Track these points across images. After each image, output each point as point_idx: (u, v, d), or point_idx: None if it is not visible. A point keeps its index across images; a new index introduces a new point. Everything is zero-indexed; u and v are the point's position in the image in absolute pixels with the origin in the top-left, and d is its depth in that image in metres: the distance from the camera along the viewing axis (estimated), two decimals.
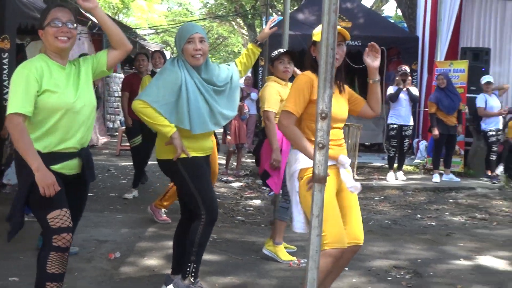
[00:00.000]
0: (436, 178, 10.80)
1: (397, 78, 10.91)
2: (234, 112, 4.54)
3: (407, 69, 11.07)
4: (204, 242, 4.35)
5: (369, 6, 22.99)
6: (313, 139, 3.80)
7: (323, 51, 2.66)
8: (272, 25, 5.00)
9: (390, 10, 33.36)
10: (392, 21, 20.12)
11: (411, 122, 10.94)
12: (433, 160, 11.22)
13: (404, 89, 10.68)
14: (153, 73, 8.01)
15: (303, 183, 3.81)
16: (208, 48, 4.36)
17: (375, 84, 4.04)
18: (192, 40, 4.24)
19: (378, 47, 3.97)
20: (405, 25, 17.17)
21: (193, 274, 4.32)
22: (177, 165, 4.25)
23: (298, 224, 3.97)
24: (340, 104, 3.99)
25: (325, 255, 3.65)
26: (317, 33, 3.91)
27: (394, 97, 10.70)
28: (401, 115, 10.80)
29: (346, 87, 4.15)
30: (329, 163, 3.79)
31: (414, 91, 10.92)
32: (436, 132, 10.79)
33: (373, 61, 3.96)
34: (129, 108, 7.93)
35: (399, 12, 21.42)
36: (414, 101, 10.90)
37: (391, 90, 10.81)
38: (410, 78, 10.94)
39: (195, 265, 4.33)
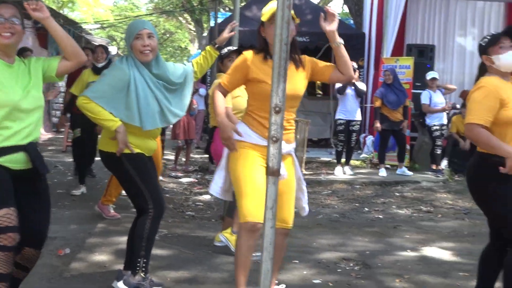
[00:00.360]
0: (382, 173, 10.99)
1: None
2: (183, 112, 4.55)
3: (355, 64, 11.21)
4: (152, 236, 4.36)
5: (316, 3, 23.18)
6: (253, 115, 4.05)
7: (277, 46, 2.71)
8: (231, 29, 5.05)
9: (337, 6, 33.67)
10: (340, 17, 20.27)
11: (359, 117, 11.10)
12: (379, 154, 11.42)
13: (352, 84, 10.83)
14: (94, 68, 7.90)
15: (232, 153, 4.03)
16: (157, 43, 4.36)
17: (339, 47, 4.00)
18: (140, 36, 4.24)
19: (333, 11, 3.99)
20: (352, 21, 17.39)
21: (143, 269, 4.32)
22: (121, 159, 4.27)
23: (216, 187, 4.20)
24: (294, 81, 4.00)
25: (240, 229, 3.94)
26: (265, 13, 4.01)
27: (342, 90, 10.85)
28: (348, 110, 10.95)
29: (309, 59, 4.19)
30: (265, 142, 3.93)
31: (361, 86, 11.08)
32: (377, 125, 11.00)
33: (329, 25, 3.95)
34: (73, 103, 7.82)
35: (346, 9, 21.69)
36: (360, 96, 11.06)
37: (339, 85, 10.96)
38: (357, 73, 11.10)
39: (145, 260, 4.33)
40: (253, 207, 3.86)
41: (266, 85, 3.84)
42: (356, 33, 15.24)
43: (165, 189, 9.25)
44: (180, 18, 37.07)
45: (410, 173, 11.09)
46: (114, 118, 4.18)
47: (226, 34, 5.02)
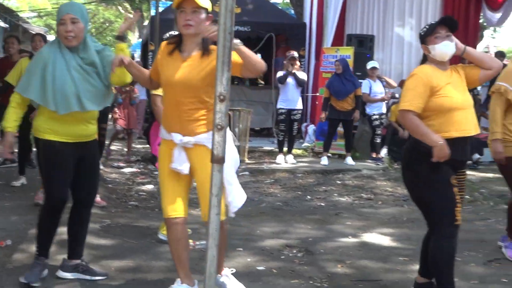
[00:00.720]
0: (324, 161, 11.12)
1: (285, 62, 11.18)
2: (106, 102, 4.48)
3: (295, 54, 11.33)
4: (40, 226, 4.50)
5: None
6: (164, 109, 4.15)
7: (221, 35, 2.74)
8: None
9: None
10: (280, 7, 20.43)
11: (299, 106, 11.18)
12: (324, 143, 11.49)
13: (292, 74, 10.91)
14: (31, 57, 7.75)
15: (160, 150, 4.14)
16: (83, 28, 4.22)
17: (239, 48, 3.72)
18: (64, 22, 4.17)
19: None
20: (293, 11, 17.51)
21: (37, 253, 4.54)
22: (38, 145, 4.34)
23: None
24: (186, 70, 3.92)
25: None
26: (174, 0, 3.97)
27: (282, 79, 10.93)
28: (289, 99, 11.03)
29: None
30: (169, 137, 3.99)
31: (301, 75, 11.15)
32: (322, 115, 11.14)
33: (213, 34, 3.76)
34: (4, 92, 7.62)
35: None
36: (301, 85, 11.10)
37: (280, 74, 11.04)
38: (298, 63, 11.19)
39: (37, 246, 4.54)
40: (165, 203, 4.03)
41: (164, 76, 3.98)
42: (297, 23, 15.35)
43: (108, 179, 9.17)
44: (120, 7, 36.59)
45: (353, 163, 11.19)
46: (10, 124, 4.29)
47: (124, 24, 4.77)
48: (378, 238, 6.26)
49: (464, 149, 4.10)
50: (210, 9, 3.95)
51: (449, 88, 4.04)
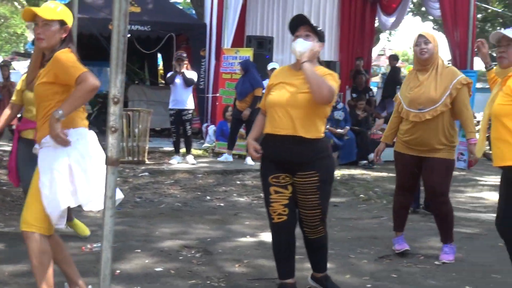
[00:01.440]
0: (227, 158, 11.19)
1: (173, 62, 11.24)
2: None
3: (184, 54, 11.35)
4: None
5: None
6: None
7: (115, 38, 2.74)
8: None
9: None
10: (181, 7, 20.40)
11: (190, 106, 11.14)
12: (228, 141, 11.54)
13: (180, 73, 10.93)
14: None
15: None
16: None
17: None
18: None
19: None
20: (194, 11, 17.51)
21: None
22: None
23: None
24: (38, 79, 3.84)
25: None
26: None
27: (170, 80, 11.01)
28: (178, 99, 11.02)
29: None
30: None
31: (190, 74, 11.04)
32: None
33: None
34: None
35: None
36: (189, 84, 10.97)
37: (168, 74, 11.14)
38: (186, 62, 11.18)
39: None
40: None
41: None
42: (198, 23, 15.36)
43: (1, 181, 8.89)
44: (16, 3, 35.40)
45: (253, 163, 11.18)
46: None
47: None
48: None
49: (281, 148, 4.20)
50: (68, 19, 3.84)
51: (280, 86, 4.27)
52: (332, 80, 4.20)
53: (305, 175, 4.21)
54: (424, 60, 5.39)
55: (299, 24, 4.27)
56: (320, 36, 4.28)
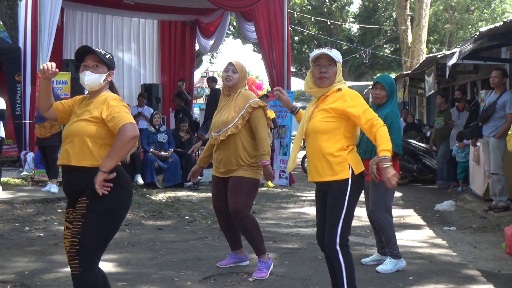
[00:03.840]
0: (53, 188, 10.62)
1: None
2: None
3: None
4: None
5: None
6: None
7: None
8: None
9: None
10: None
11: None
12: (47, 170, 11.05)
13: None
14: None
15: None
16: None
17: None
18: None
19: None
20: (7, 35, 16.74)
21: None
22: None
23: None
24: None
25: None
26: None
27: None
28: None
29: None
30: None
31: None
32: None
33: None
34: None
35: (1, 22, 20.79)
36: None
37: None
38: None
39: None
40: None
41: None
42: (12, 47, 14.69)
43: None
44: None
45: (56, 190, 10.63)
46: None
47: None
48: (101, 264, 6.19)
49: (64, 179, 4.10)
50: None
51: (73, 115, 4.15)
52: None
53: (80, 202, 3.97)
54: (228, 87, 5.76)
55: (87, 53, 4.15)
56: (108, 65, 4.16)
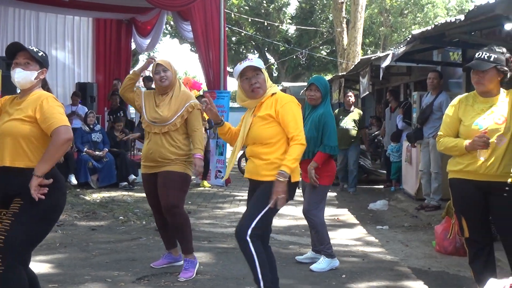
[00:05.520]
0: None
1: None
2: None
3: None
4: None
5: None
6: None
7: None
8: None
9: None
10: None
11: None
12: None
13: None
14: None
15: None
16: None
17: None
18: None
19: None
20: None
21: None
22: None
23: None
24: None
25: None
26: None
27: None
28: None
29: None
30: None
31: None
32: None
33: None
34: None
35: None
36: None
37: None
38: None
39: None
40: None
41: None
42: None
43: None
44: None
45: None
46: None
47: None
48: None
49: (1, 178, 3.91)
50: None
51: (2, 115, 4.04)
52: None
53: (15, 202, 3.85)
54: (165, 86, 5.70)
55: (18, 50, 4.04)
56: (41, 62, 4.06)
